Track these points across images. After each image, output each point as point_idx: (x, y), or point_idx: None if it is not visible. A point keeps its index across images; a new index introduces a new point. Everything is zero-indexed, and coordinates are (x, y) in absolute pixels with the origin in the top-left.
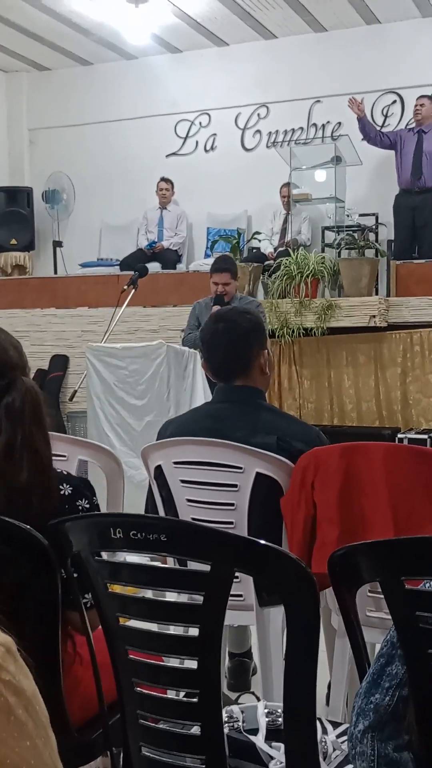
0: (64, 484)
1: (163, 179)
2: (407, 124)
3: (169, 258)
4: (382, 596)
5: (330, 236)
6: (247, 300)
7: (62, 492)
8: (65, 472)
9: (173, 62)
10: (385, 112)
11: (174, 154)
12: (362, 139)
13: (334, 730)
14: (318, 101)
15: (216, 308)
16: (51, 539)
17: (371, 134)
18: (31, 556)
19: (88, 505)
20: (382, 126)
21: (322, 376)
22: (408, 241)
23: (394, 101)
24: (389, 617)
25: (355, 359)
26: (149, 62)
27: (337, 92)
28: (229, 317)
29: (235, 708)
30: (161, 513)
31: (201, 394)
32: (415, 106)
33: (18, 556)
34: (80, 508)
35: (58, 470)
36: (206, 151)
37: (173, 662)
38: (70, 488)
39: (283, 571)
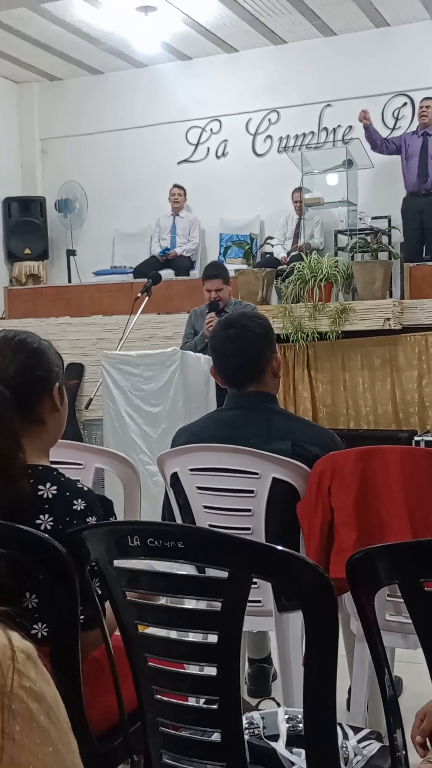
0: (79, 500)
1: (175, 186)
2: (417, 127)
3: (183, 264)
4: (402, 600)
5: (343, 240)
6: (242, 305)
7: (75, 507)
8: (85, 488)
9: (183, 69)
10: (395, 115)
11: (185, 161)
12: (372, 149)
13: (354, 735)
14: (329, 105)
15: (210, 315)
16: (68, 547)
17: (377, 142)
18: (49, 564)
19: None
20: (393, 128)
21: (337, 380)
22: (418, 244)
23: (405, 103)
24: (409, 621)
25: (370, 362)
26: (159, 70)
27: (347, 96)
28: (240, 323)
29: (255, 714)
30: (178, 520)
31: (215, 400)
32: (421, 107)
33: (36, 564)
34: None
35: (79, 485)
36: (218, 157)
37: (192, 669)
38: (84, 504)
39: (300, 577)
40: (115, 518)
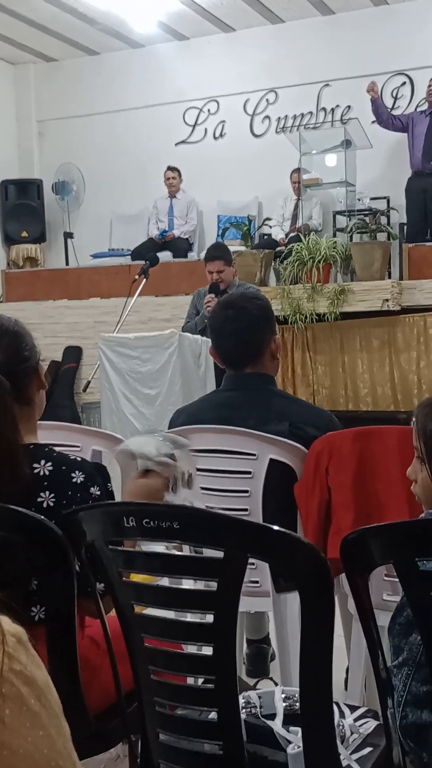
0: (77, 472)
1: (169, 168)
2: (417, 106)
3: (180, 246)
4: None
5: (341, 221)
6: (245, 286)
7: (74, 480)
8: (79, 459)
9: (180, 49)
10: (395, 94)
11: (183, 142)
12: (373, 122)
13: (351, 713)
14: (327, 85)
15: (210, 296)
16: (65, 529)
17: (384, 117)
18: (45, 546)
19: (99, 492)
20: (392, 108)
21: (336, 362)
22: (420, 223)
23: (404, 83)
24: None
25: (368, 344)
26: (156, 50)
27: (346, 75)
28: (239, 304)
29: (252, 694)
30: None
31: (213, 382)
32: (429, 86)
33: (32, 546)
34: (93, 495)
35: (72, 457)
36: (215, 138)
37: (190, 649)
38: (83, 475)
39: (296, 557)
40: (112, 486)
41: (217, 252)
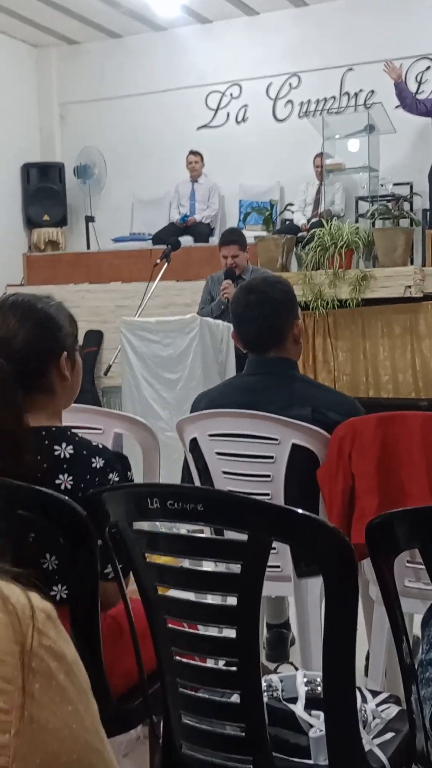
0: (97, 457)
1: (191, 152)
2: None
3: (202, 231)
4: (422, 566)
5: (364, 206)
6: (259, 271)
7: (94, 465)
8: (100, 445)
9: (203, 33)
10: (419, 79)
11: (205, 126)
12: (396, 107)
13: (373, 698)
14: (350, 69)
15: (227, 282)
16: (88, 510)
17: (408, 101)
18: (69, 526)
19: (118, 479)
20: (416, 93)
21: (357, 348)
22: None
23: (429, 67)
24: (429, 587)
25: (390, 330)
26: (179, 33)
27: (369, 59)
28: (261, 288)
29: (274, 677)
30: (197, 485)
31: (234, 366)
32: None
33: (56, 526)
34: (111, 481)
35: (93, 443)
36: (237, 122)
37: (212, 631)
38: (102, 461)
39: (321, 540)
40: (132, 475)
41: (233, 236)
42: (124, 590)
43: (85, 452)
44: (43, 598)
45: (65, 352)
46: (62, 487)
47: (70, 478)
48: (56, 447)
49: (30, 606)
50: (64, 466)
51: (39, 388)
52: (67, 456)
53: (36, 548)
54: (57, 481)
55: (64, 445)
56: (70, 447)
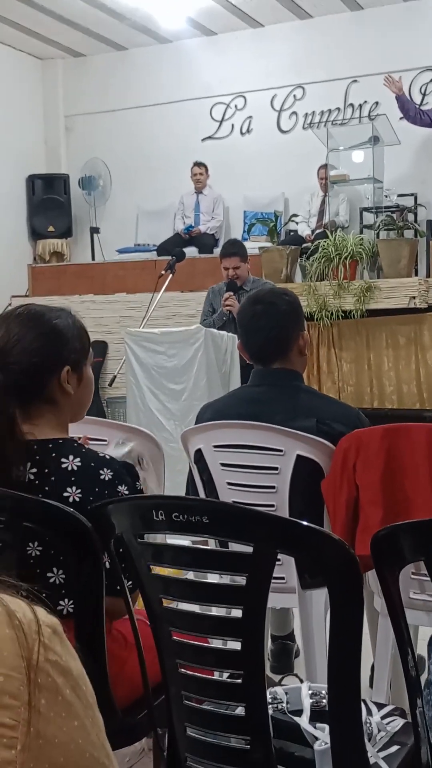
0: (105, 469)
1: (196, 164)
2: None
3: (206, 242)
4: (427, 578)
5: (368, 217)
6: (260, 282)
7: (102, 477)
8: (108, 456)
9: (208, 45)
10: (423, 90)
11: (210, 137)
12: (401, 118)
13: (378, 711)
14: (355, 81)
15: (228, 294)
16: (93, 522)
17: (411, 113)
18: (74, 538)
19: (127, 491)
20: (420, 104)
21: (361, 359)
22: None
23: None
24: None
25: (395, 341)
26: (184, 46)
27: (373, 71)
28: (268, 299)
29: (279, 689)
30: (202, 496)
31: (238, 378)
32: None
33: (61, 539)
34: (120, 494)
35: (101, 454)
36: (242, 134)
37: (216, 643)
38: (111, 473)
39: (326, 552)
40: (141, 484)
41: (234, 248)
42: (130, 604)
43: (93, 464)
44: (49, 613)
45: (68, 366)
46: (70, 499)
47: (78, 491)
48: (63, 460)
49: (36, 621)
50: (72, 478)
51: (41, 399)
52: (75, 468)
53: (42, 562)
54: (65, 494)
55: (71, 457)
56: (78, 459)
